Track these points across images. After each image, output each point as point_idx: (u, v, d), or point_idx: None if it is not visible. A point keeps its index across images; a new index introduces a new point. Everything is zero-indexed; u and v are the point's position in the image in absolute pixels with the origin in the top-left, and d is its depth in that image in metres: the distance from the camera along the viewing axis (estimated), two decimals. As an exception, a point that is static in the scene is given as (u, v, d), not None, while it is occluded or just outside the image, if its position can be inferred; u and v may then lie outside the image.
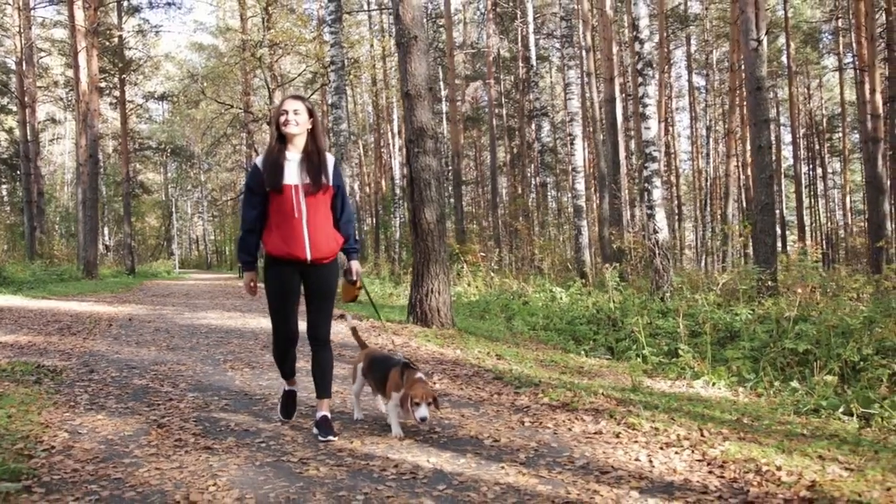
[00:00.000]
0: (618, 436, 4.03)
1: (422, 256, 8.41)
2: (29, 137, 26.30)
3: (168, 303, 12.93)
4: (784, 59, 33.02)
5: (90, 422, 4.18)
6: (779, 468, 3.40)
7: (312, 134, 3.95)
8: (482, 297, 13.69)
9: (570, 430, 4.18)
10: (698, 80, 40.73)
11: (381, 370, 4.06)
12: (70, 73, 29.07)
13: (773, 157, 33.32)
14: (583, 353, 8.45)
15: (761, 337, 7.77)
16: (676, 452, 3.73)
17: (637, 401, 4.83)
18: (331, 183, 3.93)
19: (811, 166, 42.31)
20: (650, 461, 3.59)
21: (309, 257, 3.84)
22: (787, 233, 37.28)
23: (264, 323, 9.37)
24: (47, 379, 5.31)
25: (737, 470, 3.43)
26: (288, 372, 4.25)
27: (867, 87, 20.66)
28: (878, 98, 19.68)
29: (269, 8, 24.82)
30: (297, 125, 3.86)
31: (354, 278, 4.16)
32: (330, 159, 3.97)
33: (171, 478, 3.24)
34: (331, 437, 3.86)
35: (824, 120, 40.73)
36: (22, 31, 26.01)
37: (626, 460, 3.60)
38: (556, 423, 4.29)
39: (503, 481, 3.25)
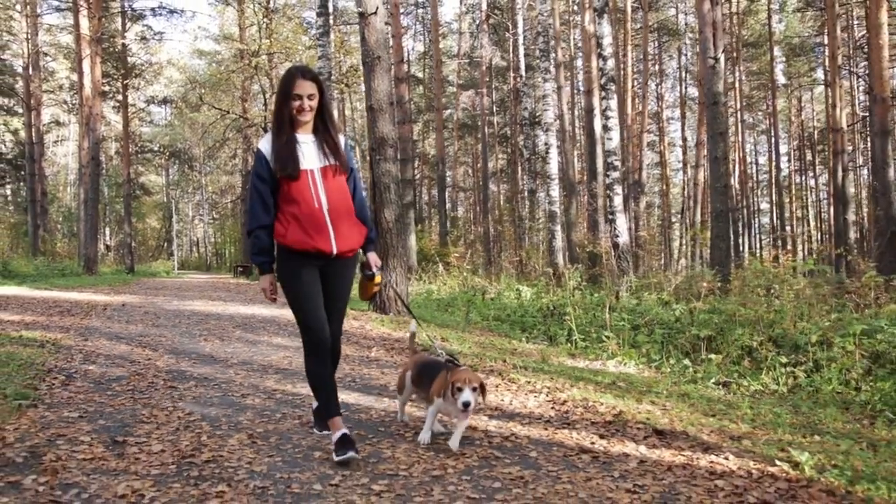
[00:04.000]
0: (497, 387, 5.11)
1: (381, 251, 9.49)
2: (34, 139, 27.47)
3: (160, 294, 14.03)
4: (774, 72, 34.11)
5: (83, 370, 5.27)
6: (601, 404, 4.49)
7: (321, 112, 3.48)
8: (452, 294, 14.76)
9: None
10: (693, 91, 41.71)
11: (431, 377, 3.66)
12: (74, 76, 30.24)
13: (734, 167, 34.50)
14: (524, 339, 9.51)
15: (675, 325, 8.85)
16: (535, 396, 4.81)
17: (525, 366, 5.92)
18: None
19: (803, 177, 43.43)
20: (511, 402, 4.67)
21: (335, 250, 3.38)
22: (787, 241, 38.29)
23: (242, 310, 10.46)
24: (49, 344, 6.39)
25: (571, 405, 4.52)
26: (331, 400, 3.52)
27: (830, 101, 21.81)
28: (839, 113, 20.76)
29: (267, 18, 25.98)
30: (312, 111, 3.42)
31: (373, 272, 3.65)
32: (341, 139, 3.55)
33: (141, 403, 4.33)
34: (351, 453, 3.26)
35: (815, 132, 41.75)
36: (29, 37, 27.23)
37: (494, 400, 4.68)
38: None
39: (388, 409, 4.34)
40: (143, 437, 3.55)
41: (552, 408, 4.51)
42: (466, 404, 3.34)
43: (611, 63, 15.32)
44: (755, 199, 46.10)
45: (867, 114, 27.74)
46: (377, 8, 9.47)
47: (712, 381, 6.50)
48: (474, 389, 3.38)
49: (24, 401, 4.10)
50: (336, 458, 3.25)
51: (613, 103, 15.26)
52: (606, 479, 3.14)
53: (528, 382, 5.18)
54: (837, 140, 20.90)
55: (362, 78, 34.64)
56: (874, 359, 6.54)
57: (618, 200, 15.28)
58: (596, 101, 21.50)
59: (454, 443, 3.54)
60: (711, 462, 3.40)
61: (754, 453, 3.55)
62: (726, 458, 3.45)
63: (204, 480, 2.96)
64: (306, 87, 3.35)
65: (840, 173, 20.98)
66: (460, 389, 3.36)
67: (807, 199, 42.90)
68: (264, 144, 3.41)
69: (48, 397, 4.34)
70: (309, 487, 2.94)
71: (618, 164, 15.47)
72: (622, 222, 15.10)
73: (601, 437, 3.84)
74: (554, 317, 11.09)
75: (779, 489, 3.02)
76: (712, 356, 7.25)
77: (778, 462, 3.35)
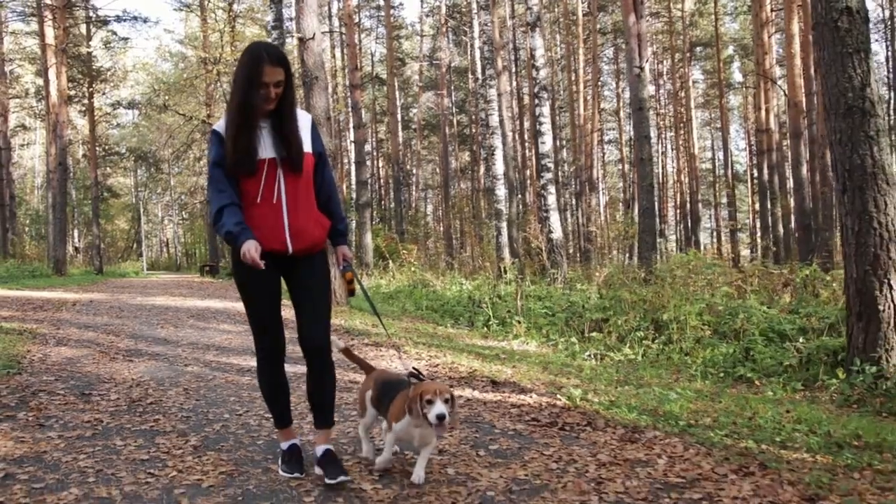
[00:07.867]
0: (392, 357, 6.40)
1: (322, 250, 10.74)
2: (1, 145, 28.21)
3: (126, 292, 15.15)
4: (721, 72, 35.73)
5: (56, 350, 6.48)
6: (463, 365, 5.80)
7: (285, 95, 3.03)
8: (399, 288, 16.05)
9: (366, 356, 6.55)
10: (650, 90, 43.28)
11: (392, 398, 3.19)
12: (40, 81, 30.95)
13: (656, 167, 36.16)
14: (448, 325, 10.81)
15: (576, 310, 10.22)
16: (417, 362, 6.11)
17: (422, 342, 7.22)
18: (310, 149, 3.13)
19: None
20: (396, 366, 5.96)
21: (291, 249, 3.05)
22: (742, 235, 40.01)
23: (198, 303, 11.66)
24: (27, 332, 7.57)
25: (442, 366, 5.83)
26: (282, 413, 3.31)
27: (755, 102, 23.45)
28: (764, 115, 22.36)
29: (230, 24, 26.97)
30: (277, 98, 3.00)
31: (342, 267, 3.32)
32: (304, 118, 3.15)
33: (104, 370, 5.56)
34: (342, 478, 2.99)
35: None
36: (-6, 45, 28.00)
37: (385, 366, 5.97)
38: (361, 353, 6.66)
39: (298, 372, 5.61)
40: (104, 391, 4.80)
41: (426, 369, 5.81)
42: (441, 416, 2.87)
43: (543, 73, 16.65)
44: (715, 193, 48.00)
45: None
46: (314, 34, 10.70)
47: (586, 353, 7.87)
48: (446, 401, 2.92)
49: (11, 370, 5.31)
50: (282, 472, 3.12)
51: (546, 110, 16.59)
52: (434, 409, 4.44)
53: (416, 352, 6.49)
54: (763, 140, 22.52)
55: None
56: (736, 335, 7.94)
57: (551, 199, 16.58)
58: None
59: (419, 473, 3.08)
60: (519, 399, 4.72)
61: (555, 395, 4.87)
62: (530, 397, 4.77)
63: (146, 413, 4.22)
64: (275, 74, 2.93)
65: (766, 171, 22.64)
66: (431, 402, 2.90)
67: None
68: (221, 125, 3.04)
69: (30, 368, 5.55)
70: (220, 415, 4.22)
71: (551, 165, 16.82)
72: (555, 219, 16.39)
73: (451, 386, 5.14)
74: (478, 306, 12.44)
75: (551, 412, 4.34)
76: (594, 334, 8.63)
77: (560, 397, 4.68)
